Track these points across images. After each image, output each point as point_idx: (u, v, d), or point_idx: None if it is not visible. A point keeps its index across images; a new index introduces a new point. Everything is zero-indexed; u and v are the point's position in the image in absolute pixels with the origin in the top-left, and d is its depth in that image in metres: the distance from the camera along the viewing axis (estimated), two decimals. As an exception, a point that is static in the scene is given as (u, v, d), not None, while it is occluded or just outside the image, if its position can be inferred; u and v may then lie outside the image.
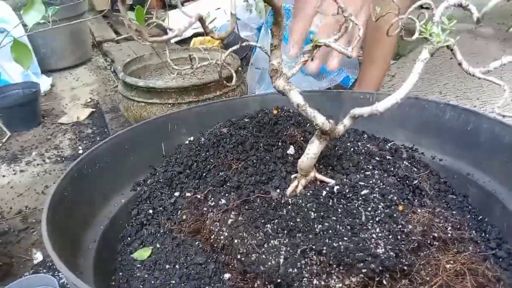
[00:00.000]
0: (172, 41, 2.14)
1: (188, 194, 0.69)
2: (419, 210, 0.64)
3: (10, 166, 1.51)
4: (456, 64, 0.63)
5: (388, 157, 0.74)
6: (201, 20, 0.44)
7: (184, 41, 2.28)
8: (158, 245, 0.66)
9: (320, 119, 0.59)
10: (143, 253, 0.67)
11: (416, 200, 0.67)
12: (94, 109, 1.80)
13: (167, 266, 0.61)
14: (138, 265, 0.64)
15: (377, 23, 0.61)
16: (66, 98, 1.95)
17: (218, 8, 2.15)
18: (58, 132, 1.68)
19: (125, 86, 1.37)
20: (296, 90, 0.60)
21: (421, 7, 0.61)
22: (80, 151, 1.54)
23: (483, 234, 0.69)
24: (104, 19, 2.76)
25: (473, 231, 0.68)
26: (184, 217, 0.66)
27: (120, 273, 0.64)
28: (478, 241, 0.64)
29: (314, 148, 0.62)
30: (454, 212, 0.70)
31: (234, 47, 0.62)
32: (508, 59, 0.60)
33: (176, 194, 0.72)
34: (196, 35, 2.21)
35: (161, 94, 1.31)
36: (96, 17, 2.31)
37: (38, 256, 1.13)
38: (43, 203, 1.29)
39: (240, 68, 1.46)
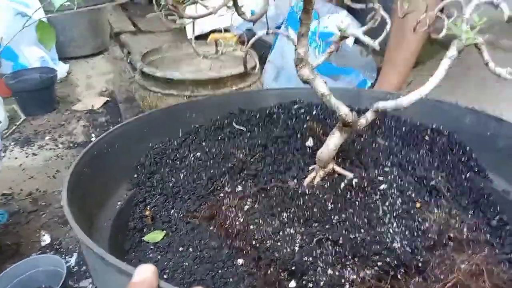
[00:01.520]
0: (189, 37, 2.15)
1: (204, 180, 0.69)
2: (435, 210, 0.64)
3: (23, 149, 1.52)
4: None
5: (407, 155, 0.73)
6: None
7: (201, 38, 2.29)
8: (172, 229, 0.66)
9: (343, 110, 0.59)
10: (155, 236, 0.66)
11: (432, 201, 0.66)
12: (108, 99, 1.81)
13: (181, 249, 0.61)
14: (151, 247, 0.64)
15: (402, 24, 0.61)
16: (81, 86, 1.96)
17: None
18: (72, 119, 1.70)
19: (143, 76, 1.38)
20: (320, 79, 0.60)
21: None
22: (93, 139, 1.55)
23: (498, 239, 0.68)
24: (123, 11, 2.78)
25: (488, 235, 0.67)
26: (199, 202, 0.66)
27: (133, 254, 0.64)
28: (494, 244, 0.63)
29: (334, 139, 0.62)
30: (470, 215, 0.70)
31: (259, 34, 0.62)
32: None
33: (192, 179, 0.72)
34: (213, 31, 2.22)
35: (178, 85, 1.32)
36: (116, 8, 2.32)
37: (46, 239, 1.14)
38: (53, 187, 1.31)
39: (257, 65, 1.46)
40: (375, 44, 0.60)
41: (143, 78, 1.38)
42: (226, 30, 2.21)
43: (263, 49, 2.07)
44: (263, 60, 2.00)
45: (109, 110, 1.74)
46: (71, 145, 1.54)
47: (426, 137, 0.84)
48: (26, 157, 1.48)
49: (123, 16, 2.72)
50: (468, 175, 0.78)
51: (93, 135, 1.58)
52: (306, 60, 0.61)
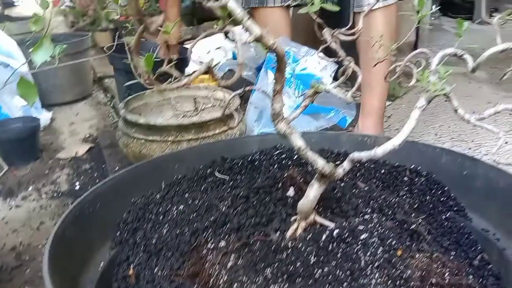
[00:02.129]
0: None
1: (187, 235, 0.69)
2: (417, 255, 0.64)
3: (5, 201, 1.50)
4: (450, 107, 0.65)
5: (387, 199, 0.75)
6: (209, 68, 0.46)
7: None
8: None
9: (320, 163, 0.60)
10: (139, 295, 0.66)
11: (414, 245, 0.67)
12: (92, 145, 1.81)
13: (165, 309, 0.61)
14: (136, 307, 0.64)
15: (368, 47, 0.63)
16: (65, 132, 1.96)
17: (219, 48, 2.20)
18: (56, 167, 1.68)
19: (126, 123, 1.39)
20: (297, 133, 0.62)
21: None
22: (77, 187, 1.54)
23: (480, 280, 0.69)
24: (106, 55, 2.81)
25: (471, 276, 0.68)
26: (183, 259, 0.66)
27: (117, 316, 0.64)
28: (476, 287, 0.64)
29: (314, 191, 0.63)
30: (452, 256, 0.71)
31: (239, 92, 0.64)
32: (503, 107, 0.62)
33: (175, 234, 0.72)
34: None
35: (161, 131, 1.33)
36: (98, 55, 2.36)
37: (30, 296, 1.11)
38: (38, 240, 1.29)
39: (239, 107, 1.49)
40: (348, 97, 0.62)
41: (126, 125, 1.39)
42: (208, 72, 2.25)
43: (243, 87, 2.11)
44: (245, 99, 2.03)
45: (93, 157, 1.74)
46: (54, 194, 1.52)
47: (405, 178, 0.86)
48: (10, 209, 1.46)
49: (105, 60, 2.74)
50: (448, 214, 0.79)
51: (77, 183, 1.57)
52: (282, 115, 0.62)
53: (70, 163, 1.71)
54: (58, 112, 2.15)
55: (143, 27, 0.37)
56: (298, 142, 0.60)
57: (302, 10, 0.58)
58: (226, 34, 0.58)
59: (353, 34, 0.59)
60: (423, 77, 0.58)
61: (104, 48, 1.93)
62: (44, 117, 1.97)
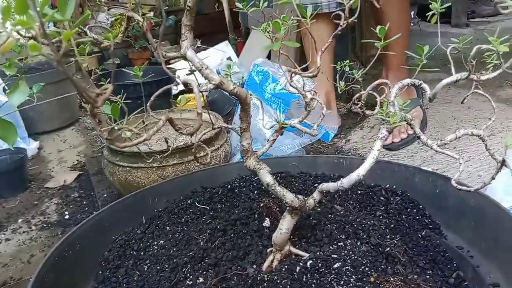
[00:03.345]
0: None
1: (168, 272, 0.70)
2: (391, 279, 0.66)
3: (-5, 235, 1.50)
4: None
5: (363, 222, 0.76)
6: (170, 120, 0.48)
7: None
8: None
9: (289, 197, 0.62)
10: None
11: (389, 268, 0.69)
12: (81, 172, 1.82)
13: None
14: None
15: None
16: (53, 161, 1.97)
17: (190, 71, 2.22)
18: (44, 197, 1.69)
19: (110, 151, 1.40)
20: (265, 169, 0.63)
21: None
22: (67, 217, 1.54)
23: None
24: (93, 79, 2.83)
25: (447, 296, 0.70)
26: (163, 296, 0.67)
27: None
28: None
29: (286, 223, 0.65)
30: (428, 275, 0.72)
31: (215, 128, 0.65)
32: (462, 133, 0.64)
33: (156, 270, 0.73)
34: (182, 92, 2.28)
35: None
36: (83, 77, 2.36)
37: (21, 333, 1.11)
38: (29, 273, 1.29)
39: (224, 128, 1.50)
40: (314, 131, 0.64)
41: (111, 154, 1.40)
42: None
43: (230, 106, 2.13)
44: (231, 116, 2.05)
45: (82, 184, 1.74)
46: (44, 225, 1.53)
47: (381, 198, 0.88)
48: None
49: (92, 84, 2.76)
50: (424, 233, 0.81)
51: (66, 212, 1.57)
52: (251, 151, 0.64)
53: (59, 192, 1.71)
54: (45, 140, 2.16)
55: (91, 107, 0.39)
56: (266, 178, 0.62)
57: (265, 47, 0.60)
58: (185, 85, 0.59)
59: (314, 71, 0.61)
60: (382, 110, 0.60)
61: (92, 74, 1.94)
62: (31, 146, 1.98)
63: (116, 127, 0.49)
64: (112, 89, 0.37)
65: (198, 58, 0.52)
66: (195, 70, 0.56)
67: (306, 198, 0.64)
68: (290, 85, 0.61)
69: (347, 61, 0.76)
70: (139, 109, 0.75)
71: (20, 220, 1.57)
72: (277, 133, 0.65)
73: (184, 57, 0.53)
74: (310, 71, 0.60)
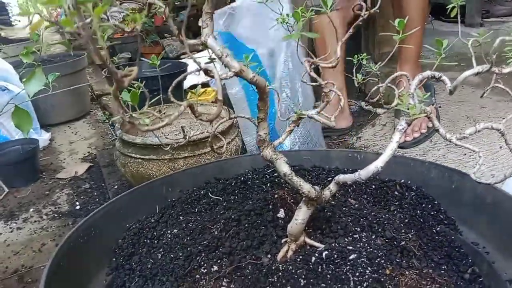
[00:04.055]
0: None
1: (182, 260, 0.70)
2: (407, 272, 0.65)
3: (7, 223, 1.52)
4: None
5: (377, 216, 0.76)
6: (191, 107, 0.48)
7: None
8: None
9: (305, 187, 0.62)
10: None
11: (404, 261, 0.68)
12: (92, 164, 1.83)
13: (160, 335, 0.62)
14: (132, 334, 0.65)
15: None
16: (64, 152, 1.98)
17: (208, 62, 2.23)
18: (56, 188, 1.70)
19: (123, 143, 1.41)
20: (282, 159, 0.63)
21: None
22: (77, 207, 1.55)
23: (471, 294, 0.70)
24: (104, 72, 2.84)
25: (462, 291, 0.69)
26: (177, 283, 0.67)
27: None
28: (466, 303, 0.65)
29: (302, 214, 0.65)
30: (442, 271, 0.72)
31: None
32: (482, 126, 0.63)
33: (170, 259, 0.73)
34: (194, 86, 2.28)
35: (158, 150, 1.34)
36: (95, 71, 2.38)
37: (32, 320, 1.12)
38: (40, 262, 1.30)
39: (234, 122, 1.50)
40: (331, 122, 0.64)
41: (123, 145, 1.40)
42: (206, 85, 2.28)
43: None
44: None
45: (92, 176, 1.75)
46: (55, 215, 1.54)
47: (396, 193, 0.87)
48: (11, 232, 1.47)
49: (104, 77, 2.78)
50: (438, 228, 0.80)
51: (77, 203, 1.58)
52: (267, 142, 0.64)
53: (70, 183, 1.72)
54: (57, 132, 2.18)
55: (115, 86, 0.39)
56: (283, 168, 0.62)
57: (284, 38, 0.60)
58: (206, 72, 0.59)
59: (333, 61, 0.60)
60: (402, 101, 0.59)
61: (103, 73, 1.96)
62: (43, 137, 1.99)
63: (134, 115, 0.49)
64: (137, 71, 0.37)
65: (218, 45, 0.52)
66: (214, 59, 0.56)
67: (322, 189, 0.64)
68: (309, 75, 0.61)
69: (364, 54, 0.76)
70: (155, 99, 0.75)
71: (31, 210, 1.58)
72: (294, 123, 0.64)
73: (204, 45, 0.53)
74: (330, 61, 0.60)
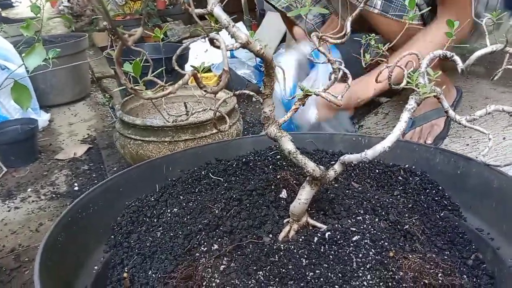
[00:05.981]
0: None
1: (181, 238, 0.69)
2: (410, 256, 0.64)
3: (5, 202, 1.51)
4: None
5: (381, 199, 0.74)
6: (195, 76, 0.46)
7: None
8: (149, 291, 0.65)
9: (310, 166, 0.60)
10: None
11: (407, 245, 0.67)
12: (91, 145, 1.81)
13: (159, 313, 0.61)
14: (130, 311, 0.64)
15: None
16: (63, 133, 1.96)
17: (206, 51, 2.21)
18: (54, 168, 1.69)
19: (123, 124, 1.39)
20: (287, 137, 0.61)
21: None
22: (76, 188, 1.54)
23: (474, 279, 0.69)
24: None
25: (464, 276, 0.68)
26: (176, 262, 0.66)
27: (111, 319, 0.64)
28: None
29: (305, 193, 0.63)
30: (445, 256, 0.71)
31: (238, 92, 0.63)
32: (493, 108, 0.62)
33: (169, 237, 0.72)
34: (194, 68, 2.26)
35: (158, 132, 1.33)
36: (95, 54, 2.35)
37: (29, 297, 1.12)
38: (37, 241, 1.29)
39: (236, 105, 1.49)
40: (338, 99, 0.62)
41: (123, 127, 1.39)
42: (208, 70, 2.26)
43: (243, 86, 2.12)
44: (242, 97, 2.03)
45: (91, 158, 1.74)
46: (53, 196, 1.53)
47: (400, 178, 0.86)
48: (8, 211, 1.46)
49: (103, 60, 2.75)
50: (442, 214, 0.79)
51: (75, 184, 1.57)
52: (272, 119, 0.62)
53: (68, 164, 1.71)
54: (56, 113, 2.16)
55: (121, 43, 0.37)
56: (288, 146, 0.60)
57: (291, 13, 0.58)
58: (211, 42, 0.57)
59: (342, 37, 0.59)
60: (412, 80, 0.58)
61: (104, 53, 1.94)
62: (43, 118, 1.98)
63: (140, 84, 0.48)
64: (142, 32, 0.35)
65: (225, 14, 0.50)
66: (220, 29, 0.54)
67: (327, 169, 0.63)
68: (318, 50, 0.59)
69: (373, 34, 0.74)
70: (157, 71, 0.73)
71: (29, 190, 1.57)
72: (300, 101, 0.63)
73: (210, 14, 0.51)
74: (338, 36, 0.58)
